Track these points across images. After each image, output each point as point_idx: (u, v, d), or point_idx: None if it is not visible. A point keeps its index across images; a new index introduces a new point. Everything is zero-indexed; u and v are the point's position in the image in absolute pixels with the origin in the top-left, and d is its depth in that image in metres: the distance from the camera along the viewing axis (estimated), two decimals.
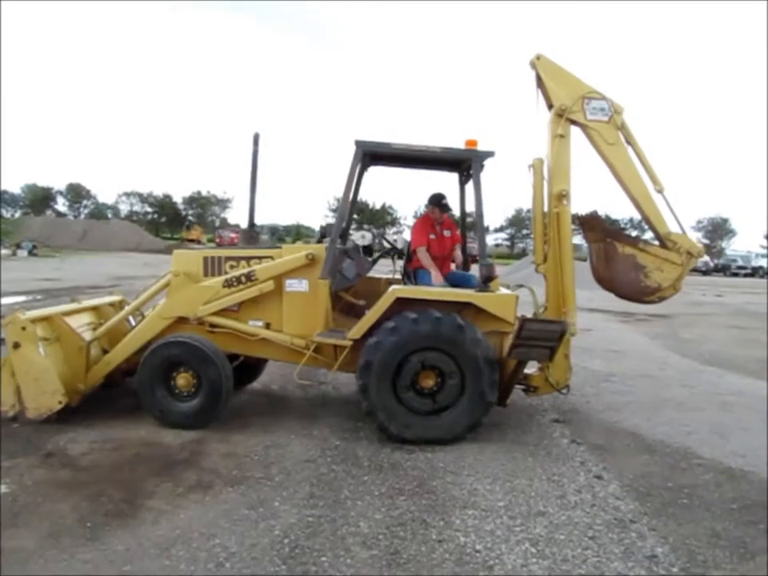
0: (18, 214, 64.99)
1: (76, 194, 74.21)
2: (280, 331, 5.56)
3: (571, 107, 5.69)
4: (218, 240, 47.64)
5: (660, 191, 5.80)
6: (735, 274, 43.58)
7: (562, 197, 5.74)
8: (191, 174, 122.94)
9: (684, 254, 5.77)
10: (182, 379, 5.30)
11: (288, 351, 5.54)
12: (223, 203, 72.54)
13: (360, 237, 6.76)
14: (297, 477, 4.33)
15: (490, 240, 56.16)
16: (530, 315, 5.99)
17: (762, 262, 48.87)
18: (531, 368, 6.11)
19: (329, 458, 4.71)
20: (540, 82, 5.82)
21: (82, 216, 69.95)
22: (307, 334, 5.43)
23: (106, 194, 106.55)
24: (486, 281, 5.35)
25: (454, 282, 5.94)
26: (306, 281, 5.49)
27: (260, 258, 5.63)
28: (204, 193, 72.06)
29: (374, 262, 6.20)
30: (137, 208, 74.01)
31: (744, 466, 4.89)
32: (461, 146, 5.46)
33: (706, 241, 71.37)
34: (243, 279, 5.52)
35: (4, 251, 30.49)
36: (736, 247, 66.17)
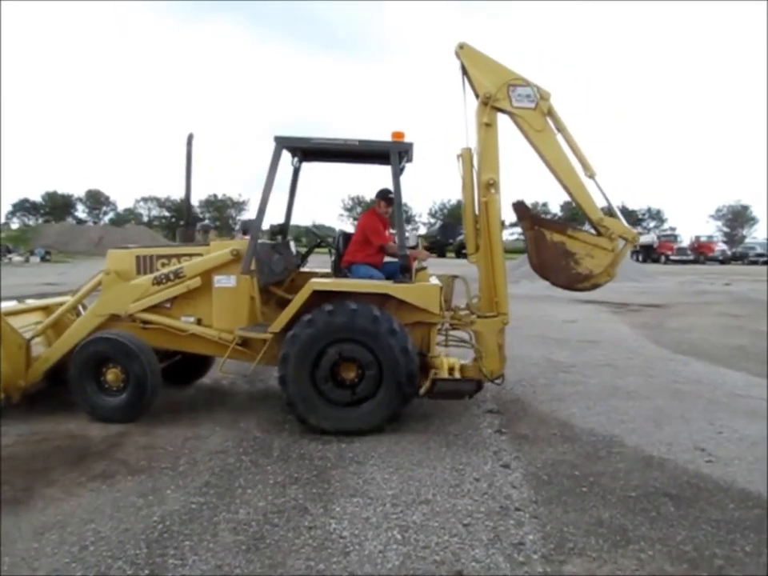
0: (39, 222, 66.41)
1: (95, 200, 75.59)
2: (210, 326, 5.63)
3: (496, 95, 5.66)
4: None
5: (591, 176, 5.73)
6: (754, 262, 42.50)
7: (490, 186, 5.71)
8: (207, 177, 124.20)
9: (616, 240, 5.70)
10: (111, 374, 5.41)
11: (217, 346, 5.61)
12: (239, 206, 73.29)
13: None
14: (201, 467, 4.40)
15: (506, 234, 55.72)
16: (462, 307, 6.02)
17: None
18: (465, 358, 6.10)
19: (241, 449, 4.77)
20: (465, 71, 5.80)
21: (102, 222, 71.24)
22: (235, 329, 5.49)
23: (124, 200, 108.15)
24: (402, 271, 5.35)
25: (392, 272, 5.95)
26: (233, 277, 5.55)
27: (190, 255, 5.71)
28: (220, 196, 72.95)
29: (305, 257, 6.23)
30: (155, 213, 75.24)
31: (665, 455, 4.82)
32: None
33: (726, 229, 70.12)
34: (171, 276, 5.61)
35: (17, 258, 31.17)
36: (757, 235, 64.69)
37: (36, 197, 74.23)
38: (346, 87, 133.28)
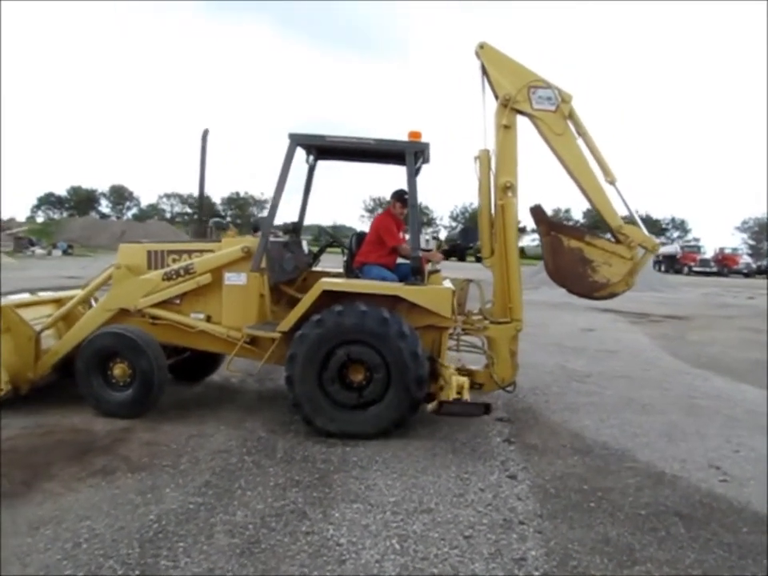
0: (64, 216, 67.32)
1: (119, 195, 76.41)
2: (219, 324, 5.58)
3: (515, 96, 5.56)
4: None
5: (611, 182, 5.61)
6: None
7: (507, 188, 5.61)
8: (229, 175, 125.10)
9: (635, 249, 5.56)
10: (118, 369, 5.39)
11: (226, 344, 5.56)
12: (261, 204, 73.65)
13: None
14: (202, 466, 4.35)
15: (527, 240, 55.38)
16: (476, 312, 5.92)
17: None
18: (476, 364, 6.00)
19: (245, 449, 4.71)
20: (485, 72, 5.70)
21: (125, 217, 72.05)
22: (243, 327, 5.44)
23: (148, 196, 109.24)
24: (415, 273, 5.27)
25: (405, 274, 5.87)
26: (244, 274, 5.50)
27: (201, 251, 5.67)
28: (242, 194, 73.40)
29: (317, 256, 6.17)
30: (177, 209, 75.94)
31: (678, 472, 4.67)
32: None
33: (751, 242, 68.79)
34: (182, 272, 5.58)
35: (40, 251, 31.60)
36: None
37: (61, 191, 75.41)
38: (368, 88, 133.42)
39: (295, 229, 6.48)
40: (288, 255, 5.79)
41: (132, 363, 5.32)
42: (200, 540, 3.30)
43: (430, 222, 70.98)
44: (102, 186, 78.08)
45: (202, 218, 6.64)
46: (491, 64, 5.63)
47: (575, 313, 14.60)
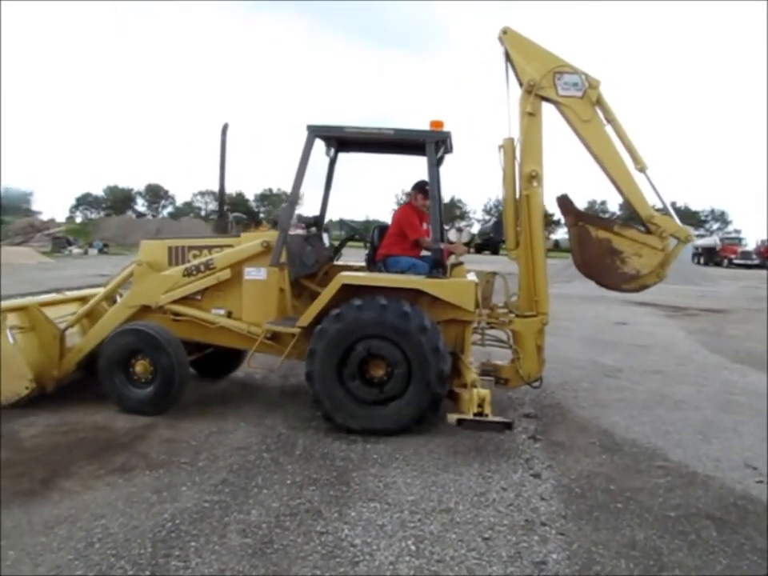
0: (101, 215, 68.77)
1: (154, 194, 77.76)
2: (240, 319, 5.55)
3: (540, 82, 5.38)
4: None
5: (642, 170, 5.40)
6: None
7: (532, 178, 5.45)
8: (261, 172, 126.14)
9: (667, 239, 5.34)
10: (140, 366, 5.38)
11: (247, 339, 5.52)
12: None
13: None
14: (220, 463, 4.31)
15: (561, 233, 54.47)
16: (501, 305, 5.77)
17: None
18: (502, 359, 5.85)
19: (264, 446, 4.65)
20: (508, 57, 5.53)
21: (161, 215, 73.21)
22: (263, 322, 5.39)
23: (183, 194, 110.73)
24: (436, 265, 5.15)
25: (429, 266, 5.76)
26: (264, 269, 5.45)
27: (221, 246, 5.64)
28: (275, 190, 73.88)
29: (338, 249, 6.08)
30: (212, 206, 76.68)
31: (712, 471, 4.47)
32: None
33: None
34: (202, 268, 5.56)
35: (76, 250, 32.28)
36: None
37: (98, 191, 77.01)
38: (404, 82, 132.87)
39: (317, 222, 6.41)
40: (308, 249, 5.72)
41: (153, 360, 5.32)
42: (212, 540, 3.25)
43: (463, 216, 70.52)
44: (138, 185, 79.61)
45: (223, 212, 6.56)
46: (515, 49, 5.45)
47: (609, 306, 14.26)
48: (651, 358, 8.60)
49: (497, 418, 4.50)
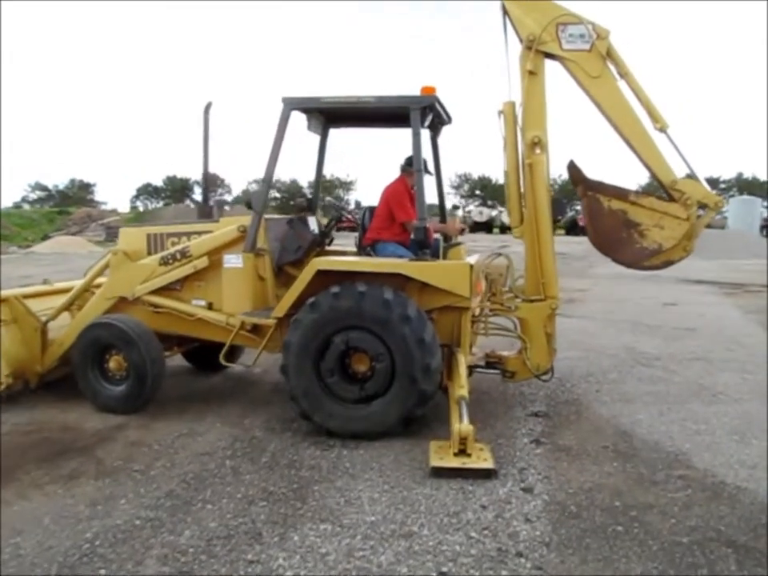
0: (161, 204, 70.45)
1: (212, 183, 78.99)
2: (220, 310, 5.14)
3: (541, 36, 4.68)
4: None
5: (662, 130, 4.67)
6: None
7: (534, 145, 4.80)
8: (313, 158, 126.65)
9: (693, 207, 4.59)
10: (114, 362, 5.07)
11: (227, 332, 5.10)
12: (347, 185, 73.84)
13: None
14: (175, 471, 3.92)
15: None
16: (506, 290, 5.18)
17: None
18: (509, 350, 5.24)
19: (230, 452, 4.23)
20: (505, 11, 4.85)
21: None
22: (237, 314, 4.97)
23: (239, 183, 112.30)
24: (420, 246, 4.58)
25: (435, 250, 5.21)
26: (242, 256, 5.01)
27: (199, 233, 5.23)
28: (328, 176, 73.72)
29: (325, 233, 5.55)
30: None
31: (743, 482, 3.77)
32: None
33: None
34: (178, 256, 5.17)
35: None
36: None
37: (158, 181, 78.78)
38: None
39: (310, 206, 5.92)
40: (291, 233, 5.24)
41: (126, 356, 4.98)
42: (125, 567, 2.84)
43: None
44: (195, 175, 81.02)
45: (208, 196, 6.14)
46: (512, 1, 4.77)
47: (660, 286, 13.23)
48: (696, 343, 7.75)
49: (478, 465, 3.87)
